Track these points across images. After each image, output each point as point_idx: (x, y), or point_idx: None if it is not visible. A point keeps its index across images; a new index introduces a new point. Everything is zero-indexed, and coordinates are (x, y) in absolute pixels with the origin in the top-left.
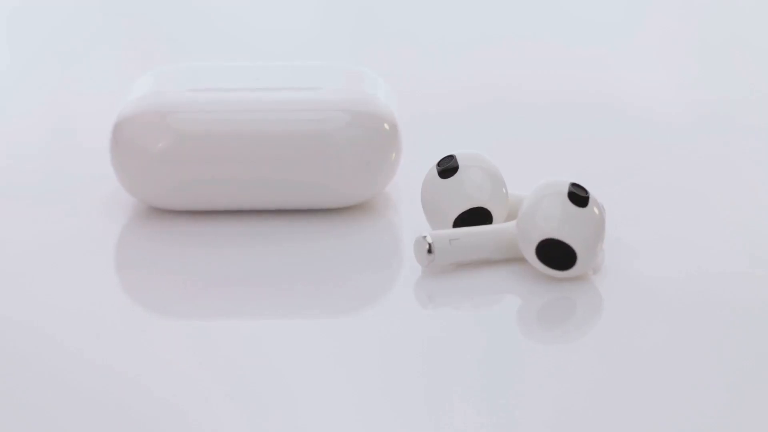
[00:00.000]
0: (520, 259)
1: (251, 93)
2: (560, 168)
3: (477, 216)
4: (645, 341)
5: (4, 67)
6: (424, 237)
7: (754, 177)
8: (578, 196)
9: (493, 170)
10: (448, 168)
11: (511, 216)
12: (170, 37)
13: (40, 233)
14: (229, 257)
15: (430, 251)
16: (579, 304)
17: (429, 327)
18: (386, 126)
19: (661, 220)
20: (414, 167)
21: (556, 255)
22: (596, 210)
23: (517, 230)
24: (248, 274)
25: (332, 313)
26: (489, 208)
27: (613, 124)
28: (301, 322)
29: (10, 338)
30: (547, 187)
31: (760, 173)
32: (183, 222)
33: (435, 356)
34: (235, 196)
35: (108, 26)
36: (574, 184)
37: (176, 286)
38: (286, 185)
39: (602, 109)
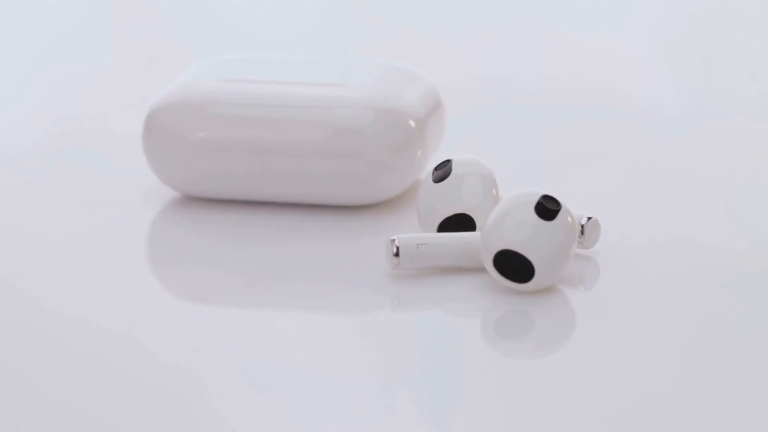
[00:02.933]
0: None
1: (279, 87)
2: (563, 165)
3: (461, 222)
4: (616, 355)
5: (36, 55)
6: (393, 240)
7: (748, 168)
8: (546, 209)
9: (487, 176)
10: (441, 172)
11: None
12: (189, 31)
13: (73, 220)
14: (252, 249)
15: (396, 254)
16: (541, 316)
17: (389, 330)
18: (412, 123)
19: (653, 217)
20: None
21: (514, 267)
22: (565, 225)
23: (480, 239)
24: (267, 267)
25: (311, 310)
26: (475, 215)
27: (608, 113)
28: (290, 316)
29: (41, 323)
30: (518, 198)
31: (754, 162)
32: (213, 211)
33: (393, 359)
34: (261, 188)
35: (135, 20)
36: (545, 196)
37: (200, 275)
38: (312, 180)
39: (599, 99)
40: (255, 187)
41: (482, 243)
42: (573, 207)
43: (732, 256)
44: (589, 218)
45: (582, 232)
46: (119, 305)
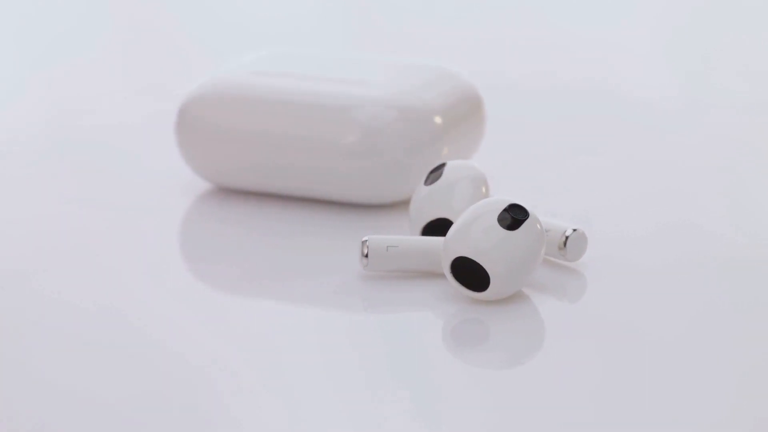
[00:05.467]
0: None
1: (306, 83)
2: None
3: (445, 227)
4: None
5: (43, 52)
6: (364, 241)
7: (748, 163)
8: (510, 218)
9: (478, 181)
10: (433, 176)
11: None
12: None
13: (106, 211)
14: (268, 243)
15: (366, 255)
16: (499, 325)
17: (350, 332)
18: (436, 121)
19: (651, 214)
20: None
21: (470, 275)
22: (530, 236)
23: (442, 244)
24: (274, 261)
25: (295, 305)
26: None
27: (607, 108)
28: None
29: (73, 312)
30: (485, 205)
31: (753, 157)
32: (240, 203)
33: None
34: (285, 183)
35: (135, 17)
36: (513, 205)
37: (208, 267)
38: (334, 177)
39: (596, 95)
40: (280, 182)
41: (443, 248)
42: (570, 208)
43: (733, 251)
44: (575, 230)
45: (564, 245)
46: (148, 295)
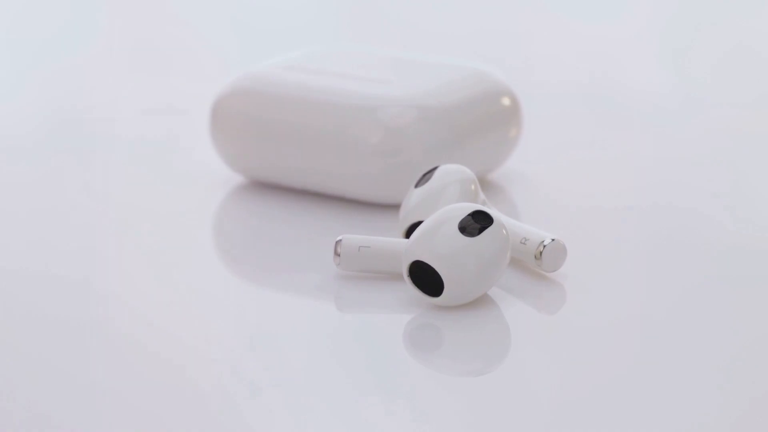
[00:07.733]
0: None
1: (331, 80)
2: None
3: None
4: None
5: (108, 41)
6: (339, 240)
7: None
8: (471, 225)
9: (467, 185)
10: (423, 179)
11: None
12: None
13: (138, 203)
14: (284, 239)
15: (338, 254)
16: (454, 331)
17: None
18: (459, 120)
19: (650, 211)
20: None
21: (426, 279)
22: (490, 243)
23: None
24: (282, 256)
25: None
26: None
27: (607, 103)
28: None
29: (106, 305)
30: (450, 210)
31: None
32: (271, 196)
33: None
34: (309, 179)
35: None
36: (477, 212)
37: (219, 262)
38: (357, 176)
39: (599, 89)
40: (305, 178)
41: (404, 251)
42: (567, 207)
43: (733, 244)
44: (553, 240)
45: (540, 255)
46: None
